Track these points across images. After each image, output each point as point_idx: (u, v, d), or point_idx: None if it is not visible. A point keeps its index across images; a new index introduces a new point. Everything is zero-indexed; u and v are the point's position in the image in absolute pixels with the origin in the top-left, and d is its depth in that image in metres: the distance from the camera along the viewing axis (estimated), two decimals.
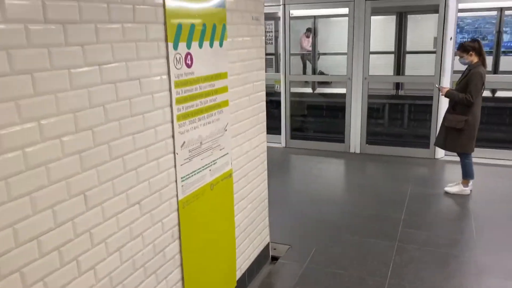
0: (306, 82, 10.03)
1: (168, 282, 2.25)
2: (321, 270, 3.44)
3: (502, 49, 9.55)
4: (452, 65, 6.10)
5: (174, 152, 2.18)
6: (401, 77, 9.37)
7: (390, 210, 4.56)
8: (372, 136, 6.85)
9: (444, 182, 5.35)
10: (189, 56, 2.23)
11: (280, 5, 6.79)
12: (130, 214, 1.93)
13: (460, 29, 8.90)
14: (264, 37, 3.14)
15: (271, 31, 10.74)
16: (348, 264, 3.51)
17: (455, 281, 3.26)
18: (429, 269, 3.42)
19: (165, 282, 2.22)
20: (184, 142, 2.25)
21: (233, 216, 2.87)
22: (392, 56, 9.60)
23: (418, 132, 7.59)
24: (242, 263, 3.07)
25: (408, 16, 9.51)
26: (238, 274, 3.02)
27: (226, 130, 2.67)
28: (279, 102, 7.19)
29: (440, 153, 6.25)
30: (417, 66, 9.33)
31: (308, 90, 9.63)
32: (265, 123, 3.27)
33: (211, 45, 2.43)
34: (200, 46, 2.33)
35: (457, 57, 4.81)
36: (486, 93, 6.35)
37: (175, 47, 2.12)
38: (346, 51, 6.63)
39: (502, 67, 9.08)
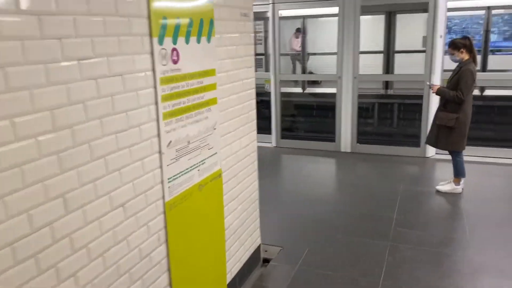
0: (296, 82, 9.98)
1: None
2: (314, 271, 3.37)
3: (490, 48, 9.59)
4: (442, 64, 6.08)
5: (160, 152, 2.09)
6: (391, 75, 9.36)
7: (382, 209, 4.51)
8: (363, 135, 6.81)
9: (435, 180, 5.32)
10: (175, 52, 2.14)
11: (269, 3, 6.72)
12: (113, 217, 1.83)
13: (448, 29, 8.91)
14: (253, 34, 3.06)
15: (261, 31, 10.67)
16: (341, 265, 3.45)
17: (450, 280, 3.21)
18: (423, 269, 3.36)
19: None
20: (170, 141, 2.15)
21: (223, 218, 2.78)
22: (382, 55, 9.60)
23: (408, 130, 7.57)
24: (233, 266, 2.98)
25: (397, 15, 9.52)
26: (229, 278, 2.93)
27: (215, 128, 2.58)
28: (269, 102, 7.12)
29: (431, 151, 6.23)
30: (407, 65, 9.34)
31: (298, 90, 9.58)
32: (255, 122, 3.19)
33: (198, 41, 2.35)
34: (187, 41, 2.24)
35: (447, 56, 4.78)
36: (475, 92, 6.35)
37: (161, 42, 2.03)
38: (335, 51, 6.59)
39: (490, 66, 9.12)
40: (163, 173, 2.12)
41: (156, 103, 2.03)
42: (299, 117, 8.67)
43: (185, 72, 2.23)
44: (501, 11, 9.88)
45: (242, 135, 3.00)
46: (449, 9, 6.12)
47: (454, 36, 9.69)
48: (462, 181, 4.85)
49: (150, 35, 1.97)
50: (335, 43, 6.58)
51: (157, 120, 2.05)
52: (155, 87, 2.01)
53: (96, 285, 1.76)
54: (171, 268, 2.23)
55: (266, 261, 3.55)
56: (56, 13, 1.50)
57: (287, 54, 10.34)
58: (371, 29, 9.77)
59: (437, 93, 4.71)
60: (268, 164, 6.23)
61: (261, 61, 10.48)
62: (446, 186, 4.91)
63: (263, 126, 7.11)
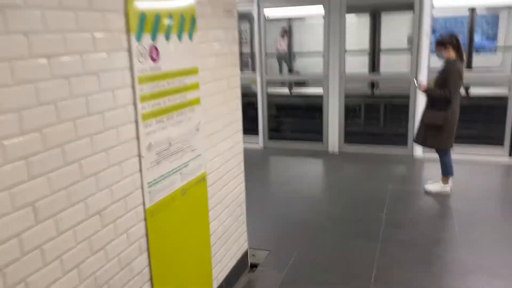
0: (283, 83, 9.91)
1: None
2: (303, 276, 3.28)
3: (475, 48, 9.65)
4: (428, 62, 6.05)
5: (139, 155, 1.97)
6: (378, 74, 9.35)
7: (371, 209, 4.44)
8: (350, 135, 6.76)
9: (423, 179, 5.28)
10: (154, 49, 2.03)
11: (253, 0, 6.63)
12: (89, 226, 1.71)
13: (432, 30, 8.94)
14: (237, 31, 2.96)
15: (246, 31, 10.58)
16: (331, 268, 3.36)
17: (442, 282, 3.15)
18: (414, 270, 3.30)
19: None
20: (150, 144, 2.04)
21: (208, 223, 2.67)
22: (367, 55, 9.59)
23: (395, 130, 7.54)
24: (219, 273, 2.87)
25: (382, 15, 9.52)
26: (215, 285, 2.82)
27: (198, 129, 2.47)
28: (256, 103, 7.02)
29: (418, 150, 6.20)
30: (392, 64, 9.34)
31: (285, 91, 9.52)
32: (241, 122, 3.09)
33: (179, 38, 2.24)
34: (167, 38, 2.13)
35: (433, 55, 4.75)
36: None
37: (138, 39, 1.92)
38: (321, 51, 6.53)
39: (474, 64, 9.17)
40: (143, 178, 2.01)
41: (135, 103, 1.92)
42: (287, 118, 8.60)
43: (166, 70, 2.12)
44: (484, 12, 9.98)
45: (227, 136, 2.90)
46: (435, 9, 6.10)
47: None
48: (450, 180, 4.82)
49: (127, 31, 1.86)
50: (321, 43, 6.52)
51: (136, 122, 1.94)
52: (133, 87, 1.90)
53: None
54: (153, 277, 2.12)
55: (254, 266, 3.44)
56: (22, 7, 1.38)
57: (273, 54, 10.27)
58: (356, 28, 9.76)
59: (424, 92, 4.66)
60: (255, 166, 6.12)
61: (248, 61, 10.40)
62: (434, 185, 4.86)
63: (250, 127, 7.03)
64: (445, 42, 4.43)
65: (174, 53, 2.20)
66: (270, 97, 7.10)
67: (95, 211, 1.73)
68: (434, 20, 6.05)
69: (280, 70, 10.62)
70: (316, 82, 7.43)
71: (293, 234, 3.97)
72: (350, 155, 6.48)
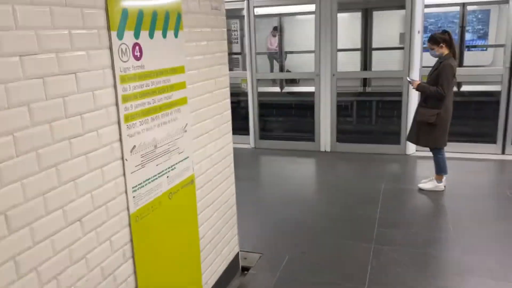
0: (274, 81, 9.83)
1: None
2: (296, 279, 3.20)
3: (466, 44, 9.62)
4: (420, 60, 6.01)
5: (122, 158, 1.88)
6: (370, 72, 9.30)
7: (365, 209, 4.38)
8: (342, 134, 6.70)
9: (417, 178, 5.23)
10: (137, 47, 1.94)
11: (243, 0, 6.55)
12: (68, 234, 1.61)
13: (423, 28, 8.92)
14: (225, 29, 2.87)
15: (236, 30, 10.50)
16: (324, 271, 3.29)
17: (438, 283, 3.09)
18: (409, 271, 3.23)
19: None
20: (134, 146, 1.95)
21: (197, 227, 2.58)
22: (359, 53, 9.54)
23: (388, 128, 7.50)
24: (209, 278, 2.79)
25: (374, 12, 9.47)
26: None
27: (185, 131, 2.39)
28: (247, 102, 6.94)
29: (411, 148, 6.16)
30: (384, 62, 9.29)
31: (276, 89, 9.44)
32: (230, 122, 3.01)
33: (164, 35, 2.15)
34: (151, 36, 2.04)
35: (426, 52, 4.70)
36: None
37: (120, 36, 1.83)
38: (313, 49, 6.46)
39: (466, 62, 9.15)
40: (127, 182, 1.91)
41: (116, 104, 1.82)
42: (278, 117, 8.52)
43: (150, 69, 2.03)
44: (475, 7, 9.95)
45: (216, 137, 2.81)
46: (426, 6, 6.05)
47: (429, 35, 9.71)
48: (444, 178, 4.77)
49: (108, 29, 1.76)
50: (312, 41, 6.45)
51: (118, 123, 1.84)
52: (114, 86, 1.81)
53: None
54: (139, 285, 2.03)
55: (246, 269, 3.36)
56: None
57: (264, 53, 10.19)
58: (348, 26, 9.70)
59: (417, 89, 4.61)
60: (246, 166, 6.05)
61: (238, 60, 10.31)
62: (428, 184, 4.82)
63: (241, 127, 6.94)
64: (438, 38, 4.37)
65: (158, 51, 2.11)
66: (261, 95, 7.02)
67: (74, 219, 1.64)
68: (425, 19, 6.00)
69: (272, 69, 10.54)
70: (308, 80, 7.36)
71: (286, 235, 3.90)
72: (343, 154, 6.42)
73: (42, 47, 1.47)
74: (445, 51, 4.39)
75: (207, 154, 2.69)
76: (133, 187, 1.96)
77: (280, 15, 10.38)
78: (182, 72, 2.33)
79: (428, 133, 4.57)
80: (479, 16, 10.16)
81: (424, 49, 5.84)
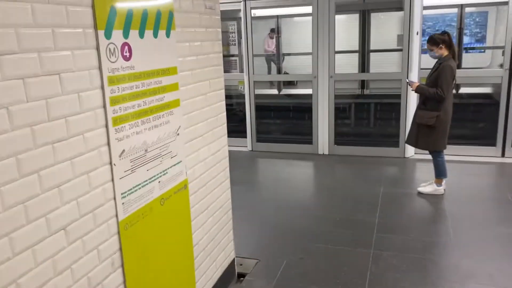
0: (271, 83, 9.76)
1: None
2: (293, 285, 3.12)
3: (464, 46, 9.57)
4: (419, 62, 5.95)
5: (110, 163, 1.80)
6: (368, 74, 9.24)
7: (363, 213, 4.30)
8: (341, 137, 6.62)
9: (416, 181, 5.16)
10: (126, 47, 1.86)
11: (240, 1, 6.47)
12: (52, 244, 1.53)
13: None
14: (220, 29, 2.80)
15: (234, 32, 10.44)
16: (322, 277, 3.21)
17: None
18: (409, 278, 3.15)
19: None
20: (123, 151, 1.87)
21: (190, 233, 2.50)
22: (357, 55, 9.47)
23: (386, 131, 7.43)
24: (203, 286, 2.70)
25: (372, 14, 9.41)
26: None
27: (178, 134, 2.30)
28: (244, 104, 6.87)
29: (410, 151, 6.09)
30: (382, 64, 9.23)
31: (274, 91, 9.37)
32: (225, 125, 2.93)
33: (155, 35, 2.07)
34: (141, 35, 1.96)
35: (424, 54, 4.63)
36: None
37: (108, 35, 1.75)
38: (311, 51, 6.39)
39: (464, 64, 9.09)
40: (116, 188, 1.83)
41: (104, 106, 1.74)
42: (276, 119, 8.44)
43: (140, 70, 1.95)
44: (473, 9, 9.90)
45: (211, 140, 2.73)
46: (425, 7, 5.99)
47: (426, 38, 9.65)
48: (444, 181, 4.70)
49: (95, 27, 1.68)
50: (310, 43, 6.39)
51: (106, 126, 1.76)
52: (102, 88, 1.73)
53: None
54: None
55: (242, 276, 3.27)
56: None
57: (261, 55, 10.12)
58: (345, 28, 9.64)
59: (416, 91, 4.54)
60: (243, 169, 5.97)
61: (236, 62, 10.24)
62: (427, 188, 4.74)
63: (237, 129, 6.86)
64: (437, 39, 4.30)
65: (149, 51, 2.03)
66: (258, 97, 6.95)
67: (58, 227, 1.55)
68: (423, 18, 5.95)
69: (269, 71, 10.47)
70: (306, 82, 7.28)
71: (283, 241, 3.81)
72: (341, 157, 6.35)
73: (23, 47, 1.38)
74: (444, 52, 4.32)
75: (201, 158, 2.61)
76: (122, 193, 1.88)
77: (277, 17, 10.33)
78: (174, 73, 2.25)
79: (427, 136, 4.49)
80: (477, 19, 10.12)
81: (423, 51, 5.78)
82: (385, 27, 9.58)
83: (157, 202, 2.14)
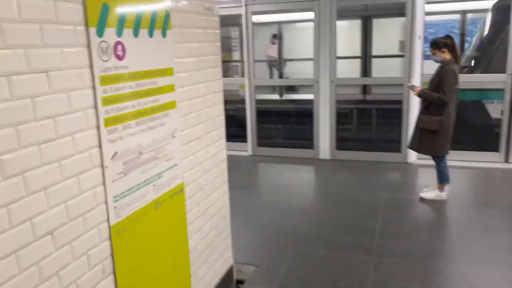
0: (273, 89, 9.73)
1: None
2: None
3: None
4: (421, 67, 5.88)
5: (102, 166, 1.73)
6: (369, 79, 9.20)
7: (365, 219, 4.22)
8: (342, 142, 6.55)
9: (418, 187, 5.07)
10: (120, 46, 1.80)
11: (241, 5, 6.44)
12: (38, 249, 1.46)
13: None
14: (219, 31, 2.74)
15: (236, 38, 10.42)
16: (323, 285, 3.13)
17: None
18: (411, 285, 3.08)
19: None
20: (116, 153, 1.80)
21: (186, 238, 2.42)
22: (359, 61, 9.43)
23: (389, 136, 7.36)
24: None
25: (373, 20, 9.37)
26: None
27: (174, 136, 2.24)
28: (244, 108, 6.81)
29: (413, 156, 6.01)
30: (384, 70, 9.18)
31: (275, 96, 9.34)
32: (223, 128, 2.86)
33: (150, 35, 2.01)
34: (136, 34, 1.90)
35: (426, 60, 4.58)
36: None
37: (100, 33, 1.69)
38: (312, 57, 6.35)
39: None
40: (107, 191, 1.76)
41: (96, 106, 1.68)
42: (277, 124, 8.38)
43: (134, 70, 1.89)
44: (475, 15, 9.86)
45: (208, 143, 2.66)
46: (427, 13, 5.94)
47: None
48: (447, 187, 4.62)
49: (86, 25, 1.62)
50: (312, 49, 6.34)
51: (98, 127, 1.70)
52: (93, 88, 1.67)
53: None
54: None
55: (240, 282, 3.20)
56: None
57: (263, 61, 10.09)
58: (347, 34, 9.60)
59: (419, 95, 4.47)
60: (243, 174, 5.90)
61: (237, 68, 10.21)
62: (430, 193, 4.66)
63: (238, 134, 6.80)
64: (439, 43, 4.24)
65: (144, 51, 1.97)
66: (260, 102, 6.90)
67: (45, 232, 1.49)
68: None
69: (271, 77, 10.44)
70: (307, 88, 7.23)
71: (283, 247, 3.73)
72: (342, 162, 6.27)
73: (7, 42, 1.32)
74: (447, 56, 4.26)
75: (198, 161, 2.54)
76: (114, 197, 1.81)
77: (279, 23, 10.31)
78: (170, 74, 2.19)
79: (430, 141, 4.42)
80: (478, 25, 10.07)
81: (425, 57, 5.74)
82: (387, 33, 9.55)
83: (152, 206, 2.07)
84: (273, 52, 10.42)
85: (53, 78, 1.49)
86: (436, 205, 4.53)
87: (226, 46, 9.51)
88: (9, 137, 1.34)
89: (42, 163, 1.46)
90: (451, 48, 4.23)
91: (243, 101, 6.81)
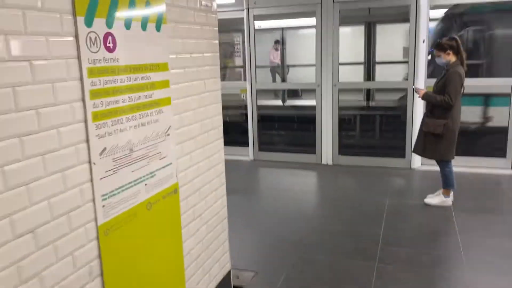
0: (276, 95, 9.67)
1: None
2: None
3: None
4: (425, 72, 5.79)
5: (90, 162, 1.65)
6: (372, 83, 9.10)
7: (367, 225, 4.11)
8: (345, 147, 6.45)
9: (423, 192, 4.95)
10: (110, 38, 1.72)
11: (243, 9, 6.39)
12: (17, 248, 1.38)
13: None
14: (217, 28, 2.67)
15: (239, 43, 10.39)
16: None
17: None
18: None
19: None
20: (104, 149, 1.72)
21: (181, 242, 2.33)
22: (362, 67, 9.35)
23: (392, 141, 7.26)
24: None
25: (377, 26, 9.31)
26: None
27: (168, 134, 2.16)
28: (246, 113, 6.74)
29: (417, 162, 5.91)
30: (388, 76, 9.10)
31: (278, 102, 9.27)
32: (221, 128, 2.78)
33: (143, 28, 1.94)
34: (128, 26, 1.83)
35: (430, 67, 4.50)
36: None
37: (88, 23, 1.61)
38: (315, 63, 6.28)
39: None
40: (95, 189, 1.68)
41: (83, 99, 1.60)
42: (279, 130, 8.30)
43: (125, 63, 1.81)
44: None
45: (205, 143, 2.58)
46: (431, 19, 5.87)
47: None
48: (452, 192, 4.51)
49: (73, 13, 1.55)
50: (314, 54, 6.29)
51: (85, 121, 1.62)
52: (81, 79, 1.59)
53: None
54: None
55: None
56: None
57: (265, 66, 10.04)
58: (350, 40, 9.54)
59: (423, 98, 4.38)
60: (244, 178, 5.80)
61: (240, 73, 10.16)
62: (435, 199, 4.55)
63: (240, 138, 6.72)
64: (444, 45, 4.16)
65: (137, 44, 1.89)
66: (262, 108, 6.83)
67: (25, 230, 1.40)
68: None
69: (274, 82, 10.38)
70: (310, 93, 7.16)
71: (283, 252, 3.63)
72: (345, 167, 6.17)
73: None
74: (452, 58, 4.17)
75: (194, 161, 2.46)
76: (102, 195, 1.72)
77: (282, 29, 10.27)
78: (165, 70, 2.11)
79: (434, 145, 4.32)
80: None
81: (429, 63, 5.67)
82: (390, 39, 9.47)
83: (143, 206, 1.98)
84: (276, 58, 10.37)
85: (36, 68, 1.41)
86: (441, 211, 4.42)
87: (230, 52, 9.48)
88: None
89: (23, 157, 1.38)
90: (456, 50, 4.15)
91: (245, 107, 6.74)
